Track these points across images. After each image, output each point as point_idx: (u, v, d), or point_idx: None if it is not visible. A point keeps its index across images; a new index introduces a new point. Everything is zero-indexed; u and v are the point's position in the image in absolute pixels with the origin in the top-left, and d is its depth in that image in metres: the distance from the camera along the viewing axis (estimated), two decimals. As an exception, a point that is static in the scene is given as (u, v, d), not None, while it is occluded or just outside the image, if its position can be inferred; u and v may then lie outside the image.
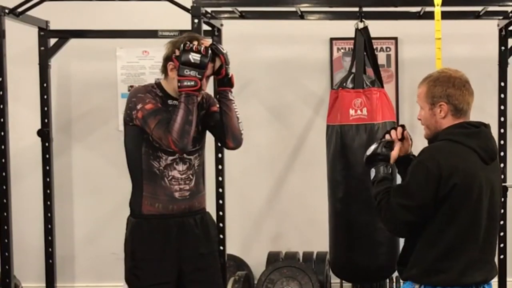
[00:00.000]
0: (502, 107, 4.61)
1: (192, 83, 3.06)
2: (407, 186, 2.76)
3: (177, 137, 3.05)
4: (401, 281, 3.00)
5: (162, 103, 3.17)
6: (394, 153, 2.98)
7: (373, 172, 2.96)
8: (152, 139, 3.14)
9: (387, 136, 3.03)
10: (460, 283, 2.73)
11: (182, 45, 3.09)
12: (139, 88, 3.25)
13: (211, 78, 3.28)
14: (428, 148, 2.85)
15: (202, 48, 3.09)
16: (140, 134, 3.16)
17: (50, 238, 4.84)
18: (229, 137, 3.29)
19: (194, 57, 3.06)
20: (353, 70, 4.22)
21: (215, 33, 4.57)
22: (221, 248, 4.35)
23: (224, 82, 3.24)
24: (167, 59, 3.18)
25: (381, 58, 5.19)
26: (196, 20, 4.06)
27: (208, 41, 3.22)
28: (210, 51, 3.11)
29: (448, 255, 2.72)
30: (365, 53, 4.27)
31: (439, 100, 2.83)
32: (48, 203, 4.83)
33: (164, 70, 3.20)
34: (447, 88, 2.83)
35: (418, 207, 2.71)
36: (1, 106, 4.24)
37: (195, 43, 3.11)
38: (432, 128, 2.88)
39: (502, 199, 4.56)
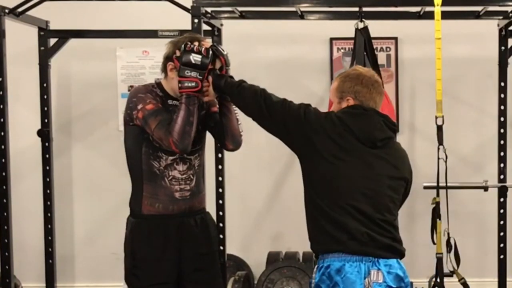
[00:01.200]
0: (502, 107, 4.60)
1: (193, 84, 3.06)
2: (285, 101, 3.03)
3: (178, 138, 3.05)
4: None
5: (162, 103, 3.17)
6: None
7: (217, 77, 3.11)
8: (153, 139, 3.13)
9: None
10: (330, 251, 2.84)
11: (183, 46, 3.08)
12: (140, 88, 3.24)
13: (211, 79, 3.28)
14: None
15: (203, 49, 3.09)
16: (140, 134, 3.16)
17: (50, 238, 4.84)
18: (228, 139, 3.29)
19: (195, 58, 3.06)
20: (353, 70, 4.21)
21: (215, 33, 4.57)
22: (221, 248, 4.35)
23: None
24: (167, 59, 3.18)
25: (381, 58, 5.20)
26: (196, 20, 4.06)
27: (208, 42, 3.21)
28: (211, 52, 3.11)
29: (325, 224, 2.85)
30: (365, 53, 4.27)
31: (347, 95, 2.98)
32: (48, 203, 4.82)
33: (164, 69, 3.20)
34: (355, 84, 2.98)
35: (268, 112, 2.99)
36: (1, 106, 4.24)
37: (196, 43, 3.10)
38: None
39: (502, 199, 4.60)
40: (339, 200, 2.82)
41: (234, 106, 3.26)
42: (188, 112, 3.06)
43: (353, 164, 2.85)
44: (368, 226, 2.82)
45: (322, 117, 2.93)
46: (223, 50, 3.18)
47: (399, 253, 2.90)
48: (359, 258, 2.81)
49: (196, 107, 3.10)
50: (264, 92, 3.07)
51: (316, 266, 2.90)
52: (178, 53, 3.11)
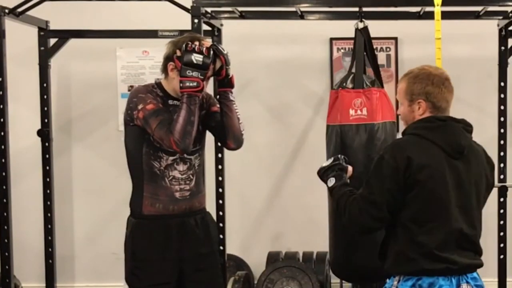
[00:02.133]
0: (502, 107, 4.61)
1: (194, 84, 3.06)
2: (368, 181, 2.79)
3: (179, 137, 3.05)
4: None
5: (163, 103, 3.17)
6: (350, 169, 3.06)
7: (332, 180, 3.00)
8: (153, 139, 3.13)
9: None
10: (425, 273, 2.74)
11: (184, 46, 3.08)
12: (140, 88, 3.24)
13: (211, 78, 3.28)
14: (390, 144, 2.92)
15: (204, 49, 3.08)
16: (141, 135, 3.16)
17: (50, 238, 4.84)
18: (230, 138, 3.29)
19: (196, 58, 3.06)
20: (353, 70, 4.21)
21: (215, 33, 4.57)
22: (221, 248, 4.35)
23: (225, 83, 3.24)
24: (167, 59, 3.18)
25: (381, 58, 5.20)
26: (196, 20, 4.06)
27: (209, 42, 3.21)
28: (211, 52, 3.11)
29: (416, 245, 2.74)
30: (365, 53, 4.26)
31: (418, 97, 2.84)
32: (48, 203, 4.83)
33: (164, 69, 3.20)
34: (426, 85, 2.84)
35: (384, 216, 2.74)
36: (1, 106, 4.24)
37: (196, 43, 3.10)
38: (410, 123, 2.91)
39: (502, 199, 4.60)
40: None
41: (235, 105, 3.26)
42: (189, 111, 3.06)
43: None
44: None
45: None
46: (223, 49, 3.18)
47: (480, 265, 2.86)
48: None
49: (197, 107, 3.10)
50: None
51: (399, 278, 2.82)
52: (178, 53, 3.11)
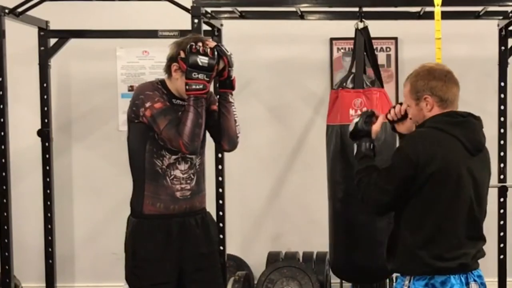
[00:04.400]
0: (502, 107, 4.61)
1: (201, 86, 3.07)
2: (387, 170, 2.81)
3: (188, 140, 3.06)
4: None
5: (168, 101, 3.17)
6: (375, 128, 3.06)
7: (355, 148, 3.04)
8: (158, 137, 3.13)
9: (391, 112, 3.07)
10: (438, 271, 2.76)
11: (188, 47, 3.08)
12: (147, 85, 3.23)
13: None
14: (410, 135, 2.91)
15: (208, 50, 3.08)
16: (145, 132, 3.15)
17: (50, 238, 4.84)
18: (225, 139, 3.29)
19: (202, 59, 3.06)
20: (353, 70, 4.22)
21: (215, 33, 4.57)
22: (221, 248, 4.35)
23: (226, 84, 3.24)
24: (171, 59, 3.17)
25: (381, 58, 5.20)
26: (196, 20, 4.05)
27: (212, 42, 3.20)
28: (216, 53, 3.10)
29: (427, 244, 2.76)
30: (365, 53, 4.26)
31: (423, 94, 2.85)
32: (48, 203, 4.82)
33: (168, 70, 3.19)
34: (429, 80, 2.86)
35: (395, 191, 2.77)
36: (1, 106, 4.24)
37: (200, 44, 3.09)
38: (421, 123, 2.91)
39: (502, 199, 4.60)
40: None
41: (233, 107, 3.26)
42: (197, 114, 3.07)
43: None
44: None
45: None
46: (227, 50, 3.18)
47: (483, 255, 2.91)
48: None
49: (204, 109, 3.10)
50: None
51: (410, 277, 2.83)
52: (182, 54, 3.11)
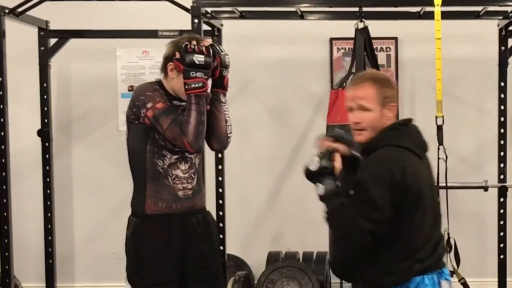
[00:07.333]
0: (502, 107, 4.61)
1: (200, 84, 3.08)
2: (373, 200, 2.68)
3: (193, 139, 3.07)
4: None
5: (169, 101, 3.17)
6: (338, 165, 2.89)
7: (320, 187, 2.89)
8: (159, 137, 3.14)
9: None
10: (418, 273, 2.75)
11: (183, 47, 3.08)
12: (146, 86, 3.24)
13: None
14: (377, 159, 2.77)
15: (204, 48, 3.09)
16: (146, 133, 3.16)
17: (50, 238, 4.84)
18: (214, 139, 3.29)
19: (198, 58, 3.07)
20: (353, 70, 4.22)
21: (215, 33, 4.57)
22: (221, 248, 4.35)
23: (218, 83, 3.25)
24: (167, 59, 3.18)
25: (381, 58, 5.19)
26: (196, 20, 4.06)
27: (208, 41, 3.22)
28: (211, 51, 3.11)
29: (407, 256, 2.73)
30: (365, 53, 4.26)
31: (389, 101, 2.84)
32: (48, 203, 4.83)
33: (164, 69, 3.20)
34: (393, 89, 2.88)
35: (384, 219, 2.68)
36: (1, 106, 4.24)
37: (194, 43, 3.10)
38: (378, 130, 2.84)
39: (502, 199, 4.60)
40: None
41: (225, 107, 3.26)
42: (199, 112, 3.09)
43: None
44: None
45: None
46: (221, 50, 3.19)
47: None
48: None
49: (205, 107, 3.11)
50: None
51: None
52: (178, 55, 3.11)
